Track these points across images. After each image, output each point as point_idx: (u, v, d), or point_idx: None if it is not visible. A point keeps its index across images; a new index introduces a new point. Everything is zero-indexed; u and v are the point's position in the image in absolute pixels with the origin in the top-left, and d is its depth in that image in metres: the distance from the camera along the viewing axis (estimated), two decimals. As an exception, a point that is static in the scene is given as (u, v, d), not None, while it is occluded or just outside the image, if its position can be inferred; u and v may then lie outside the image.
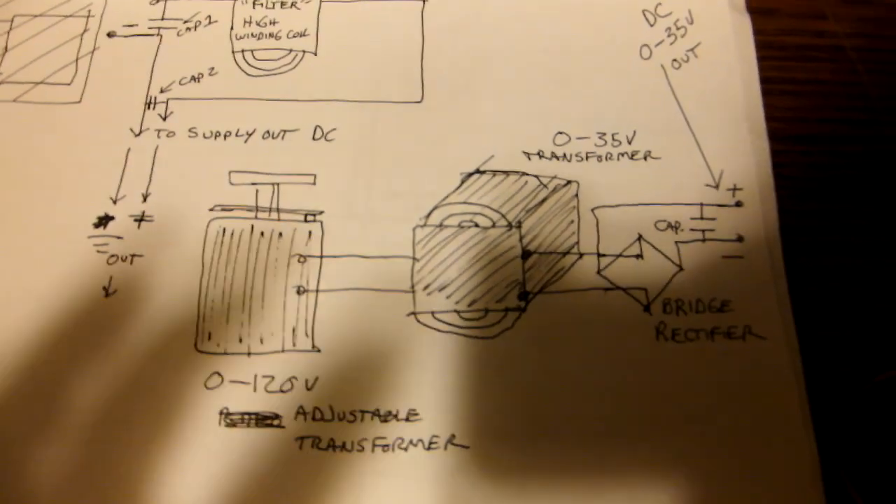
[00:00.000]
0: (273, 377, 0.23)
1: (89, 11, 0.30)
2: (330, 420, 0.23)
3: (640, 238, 0.25)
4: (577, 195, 0.26)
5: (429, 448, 0.23)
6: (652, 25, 0.29)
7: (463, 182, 0.26)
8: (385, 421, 0.23)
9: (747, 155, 0.26)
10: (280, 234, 0.25)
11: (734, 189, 0.26)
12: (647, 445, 0.23)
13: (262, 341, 0.24)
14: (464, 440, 0.23)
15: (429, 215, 0.25)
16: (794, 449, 0.23)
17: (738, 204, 0.26)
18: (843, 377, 0.24)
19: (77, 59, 0.29)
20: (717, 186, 0.26)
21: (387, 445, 0.23)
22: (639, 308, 0.24)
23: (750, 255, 0.25)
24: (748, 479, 0.22)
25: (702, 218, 0.26)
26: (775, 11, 0.30)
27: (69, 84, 0.28)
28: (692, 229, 0.25)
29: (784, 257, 0.25)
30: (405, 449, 0.23)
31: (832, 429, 0.23)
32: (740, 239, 0.25)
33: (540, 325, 0.24)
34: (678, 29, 0.28)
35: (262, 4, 0.29)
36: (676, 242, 0.25)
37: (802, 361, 0.24)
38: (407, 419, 0.23)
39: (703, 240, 0.25)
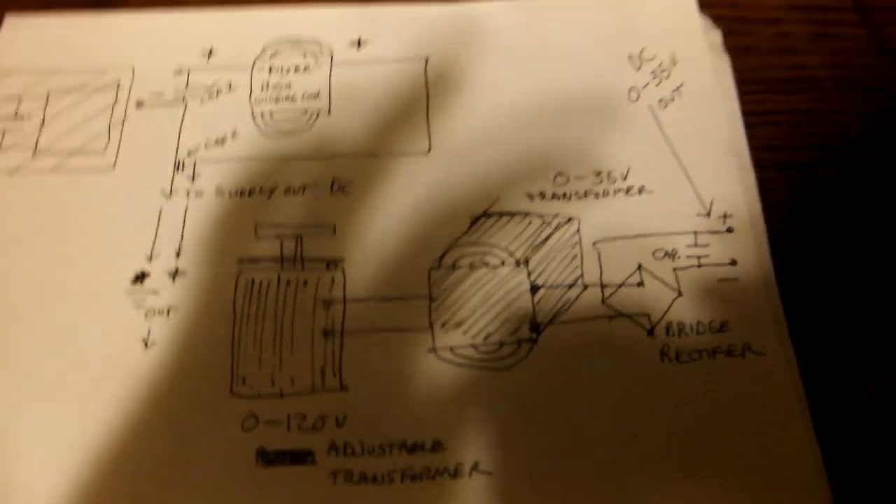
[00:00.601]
0: (305, 415, 0.25)
1: (118, 84, 0.32)
2: (360, 454, 0.24)
3: (640, 267, 0.27)
4: (578, 231, 0.28)
5: (455, 476, 0.24)
6: (638, 69, 0.31)
7: (472, 225, 0.28)
8: (412, 452, 0.24)
9: (735, 183, 0.29)
10: (305, 282, 0.27)
11: (725, 216, 0.28)
12: (658, 462, 0.24)
13: (293, 382, 0.26)
14: (487, 467, 0.24)
15: (442, 257, 0.27)
16: (799, 459, 0.24)
17: (730, 230, 0.28)
18: (838, 390, 0.26)
19: (109, 129, 0.31)
20: (708, 215, 0.28)
21: (415, 476, 0.24)
22: (643, 333, 0.26)
23: (744, 276, 0.27)
24: (755, 491, 0.24)
25: (696, 245, 0.28)
26: (752, 49, 0.33)
27: (103, 153, 0.31)
28: (688, 256, 0.27)
29: (777, 277, 0.27)
30: (433, 478, 0.24)
31: (835, 441, 0.25)
32: (734, 262, 0.27)
33: (552, 354, 0.26)
34: (662, 71, 0.31)
35: (277, 70, 0.32)
36: (674, 269, 0.27)
37: (806, 382, 0.25)
38: (433, 449, 0.24)
39: (699, 265, 0.27)
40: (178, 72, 0.32)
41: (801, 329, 0.26)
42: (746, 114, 0.31)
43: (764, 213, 0.28)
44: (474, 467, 0.24)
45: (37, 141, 0.31)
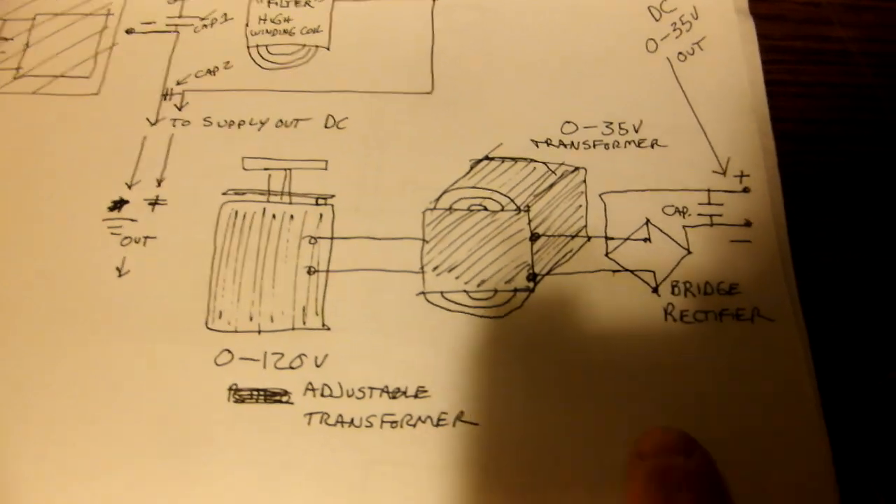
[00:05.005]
0: (282, 354, 0.25)
1: (108, 10, 0.32)
2: (339, 396, 0.24)
3: (647, 222, 0.27)
4: (584, 181, 0.28)
5: (437, 425, 0.24)
6: (657, 20, 0.31)
7: (472, 168, 0.28)
8: (394, 397, 0.24)
9: (754, 142, 0.28)
10: (291, 217, 0.27)
11: (741, 175, 0.28)
12: (652, 423, 0.24)
13: (272, 319, 0.25)
14: (472, 417, 0.24)
15: (438, 199, 0.27)
16: (803, 429, 0.24)
17: (746, 190, 0.28)
18: (852, 374, 0.25)
19: (96, 55, 0.31)
20: (724, 173, 0.28)
21: (395, 422, 0.24)
22: (647, 290, 0.26)
23: (757, 239, 0.27)
24: (756, 456, 0.23)
25: (709, 203, 0.27)
26: (781, 17, 0.32)
27: (88, 77, 0.31)
28: (700, 214, 0.27)
29: (793, 254, 0.27)
30: (413, 425, 0.24)
31: (846, 424, 0.24)
32: (748, 224, 0.27)
33: (549, 305, 0.26)
34: (683, 24, 0.31)
35: (276, 3, 0.32)
36: (684, 227, 0.27)
37: (814, 359, 0.25)
38: (416, 396, 0.24)
39: (711, 224, 0.27)
40: (172, 0, 0.32)
41: (815, 307, 0.26)
42: (773, 83, 0.30)
43: (787, 187, 0.28)
44: (459, 417, 0.24)
45: (19, 63, 0.31)
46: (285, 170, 0.28)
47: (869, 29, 0.32)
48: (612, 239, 0.27)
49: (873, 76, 0.31)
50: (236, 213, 0.27)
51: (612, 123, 0.29)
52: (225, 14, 0.32)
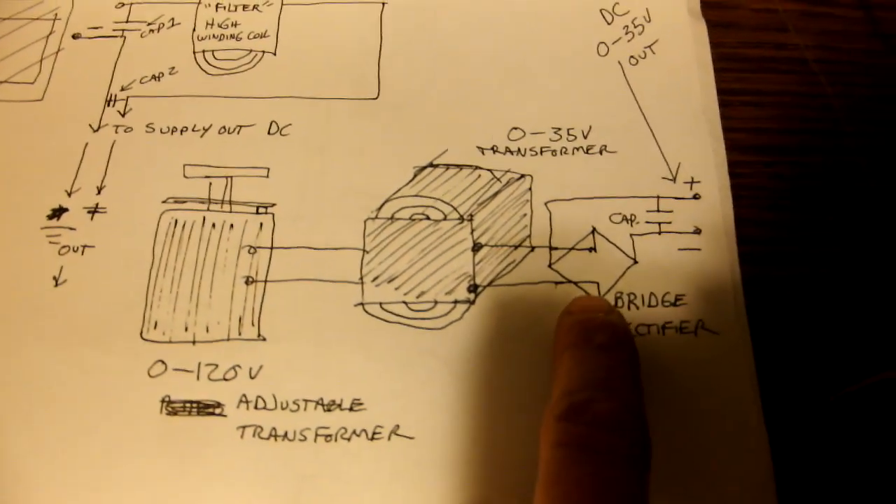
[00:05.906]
0: (217, 365, 0.25)
1: (56, 15, 0.32)
2: (273, 409, 0.24)
3: (593, 231, 0.27)
4: (530, 189, 0.28)
5: (372, 438, 0.24)
6: (609, 24, 0.31)
7: (416, 176, 0.28)
8: (328, 410, 0.24)
9: (705, 148, 0.28)
10: (231, 226, 0.27)
11: (692, 182, 0.28)
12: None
13: (207, 330, 0.25)
14: (408, 431, 0.24)
15: (380, 208, 0.27)
16: (746, 441, 0.24)
17: (696, 197, 0.27)
18: (799, 391, 0.25)
19: (41, 60, 0.31)
20: (674, 179, 0.28)
21: (329, 436, 0.24)
22: (590, 301, 0.26)
23: (706, 247, 0.27)
24: (698, 470, 0.23)
25: (658, 210, 0.27)
26: (735, 25, 0.32)
27: (32, 83, 0.31)
28: (648, 222, 0.27)
29: (742, 267, 0.26)
30: (348, 439, 0.24)
31: (789, 439, 0.24)
32: (698, 231, 0.27)
33: (489, 317, 0.26)
34: (636, 27, 0.31)
35: (224, 7, 0.32)
36: (631, 235, 0.27)
37: (759, 374, 0.25)
38: (351, 409, 0.24)
39: (659, 232, 0.27)
40: (120, 4, 0.32)
41: (761, 321, 0.26)
42: (726, 92, 0.30)
43: (740, 199, 0.28)
44: (394, 430, 0.24)
45: (-38, 69, 0.31)
46: (226, 177, 0.28)
47: (825, 36, 0.32)
48: (557, 249, 0.27)
49: (829, 85, 0.31)
50: (176, 221, 0.27)
51: (560, 129, 0.29)
52: (172, 19, 0.32)
